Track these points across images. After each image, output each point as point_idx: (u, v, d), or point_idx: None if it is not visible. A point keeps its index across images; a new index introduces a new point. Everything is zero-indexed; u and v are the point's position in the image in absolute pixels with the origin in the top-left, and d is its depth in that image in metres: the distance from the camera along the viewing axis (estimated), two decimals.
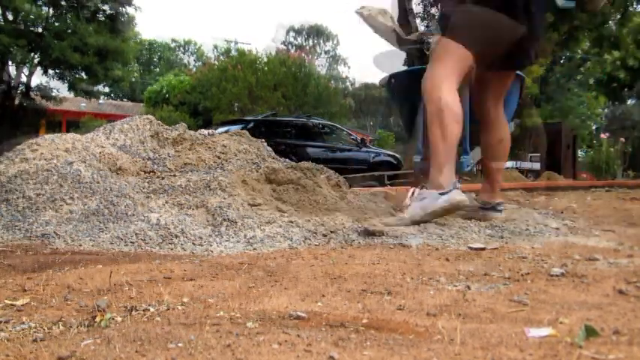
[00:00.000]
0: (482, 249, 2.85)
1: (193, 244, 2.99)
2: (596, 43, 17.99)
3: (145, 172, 4.28)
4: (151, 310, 1.69)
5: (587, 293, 1.87)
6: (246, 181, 4.19)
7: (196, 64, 64.10)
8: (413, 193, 3.68)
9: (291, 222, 3.38)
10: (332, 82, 37.93)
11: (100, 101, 42.03)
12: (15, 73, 25.21)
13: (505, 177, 10.87)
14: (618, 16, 17.51)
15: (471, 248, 2.87)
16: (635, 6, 20.53)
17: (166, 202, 3.75)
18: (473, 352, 1.30)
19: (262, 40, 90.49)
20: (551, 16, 16.12)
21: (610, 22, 18.33)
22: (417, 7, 19.77)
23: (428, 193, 3.56)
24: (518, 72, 4.66)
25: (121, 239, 3.05)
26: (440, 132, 3.61)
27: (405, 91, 5.17)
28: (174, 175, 4.27)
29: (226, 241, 3.06)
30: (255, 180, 4.32)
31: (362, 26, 4.78)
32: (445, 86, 3.68)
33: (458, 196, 3.51)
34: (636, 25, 22.02)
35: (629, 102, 40.37)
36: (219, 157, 4.66)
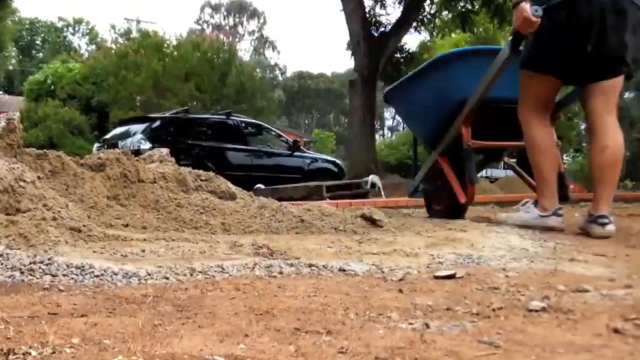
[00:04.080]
0: (452, 276, 2.86)
1: (82, 271, 2.94)
2: None
3: (23, 182, 4.20)
4: (33, 353, 1.66)
5: (574, 332, 1.88)
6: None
7: (89, 49, 63.44)
8: (524, 203, 5.20)
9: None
10: (257, 70, 37.95)
11: None
12: None
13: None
14: None
15: (437, 277, 2.88)
16: None
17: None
18: None
19: (171, 19, 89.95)
20: None
21: None
22: None
23: (533, 209, 4.99)
24: None
25: None
26: (534, 165, 5.04)
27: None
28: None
29: (126, 263, 3.02)
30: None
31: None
32: (532, 121, 5.05)
33: (552, 222, 4.85)
34: None
35: (626, 95, 40.62)
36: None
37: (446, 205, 6.29)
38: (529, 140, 5.07)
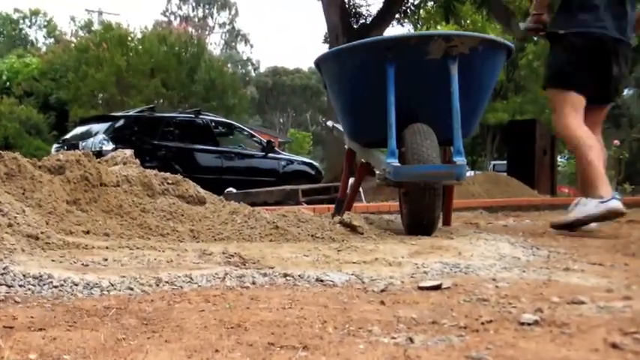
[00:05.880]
0: (438, 287, 2.86)
1: (40, 282, 2.93)
2: None
3: None
4: None
5: (569, 347, 1.88)
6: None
7: (47, 42, 63.16)
8: (576, 203, 5.62)
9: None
10: (229, 65, 37.89)
11: None
12: None
13: (461, 193, 11.00)
14: None
15: (422, 288, 2.87)
16: None
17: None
18: None
19: (136, 10, 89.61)
20: None
21: None
22: None
23: (590, 200, 5.41)
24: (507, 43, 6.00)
25: None
26: (583, 162, 5.61)
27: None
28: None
29: (87, 272, 3.01)
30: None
31: None
32: (571, 125, 5.80)
33: (614, 204, 5.26)
34: None
35: (625, 92, 40.69)
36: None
37: None
38: (574, 142, 5.77)
